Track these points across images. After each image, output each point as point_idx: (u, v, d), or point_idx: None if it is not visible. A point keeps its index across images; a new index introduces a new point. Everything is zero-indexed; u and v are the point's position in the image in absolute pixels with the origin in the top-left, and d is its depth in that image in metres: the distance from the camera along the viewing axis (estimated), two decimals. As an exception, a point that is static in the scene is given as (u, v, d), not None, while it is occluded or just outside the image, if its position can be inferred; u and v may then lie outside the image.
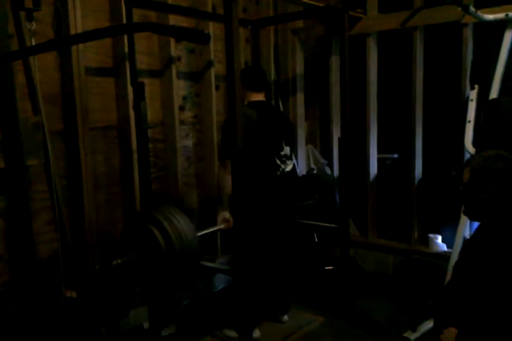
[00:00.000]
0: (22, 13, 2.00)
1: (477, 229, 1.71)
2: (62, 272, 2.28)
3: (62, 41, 1.93)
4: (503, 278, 1.47)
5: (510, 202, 1.58)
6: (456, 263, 1.78)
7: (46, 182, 2.22)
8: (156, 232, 1.88)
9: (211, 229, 2.47)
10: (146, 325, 2.52)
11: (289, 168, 2.61)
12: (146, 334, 2.48)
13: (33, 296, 2.08)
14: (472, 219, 1.81)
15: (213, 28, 2.91)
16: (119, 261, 1.94)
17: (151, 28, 1.53)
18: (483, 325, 1.47)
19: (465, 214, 1.72)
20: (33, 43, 2.04)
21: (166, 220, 1.88)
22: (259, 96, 2.60)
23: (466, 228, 2.66)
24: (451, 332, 1.52)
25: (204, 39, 1.17)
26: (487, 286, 1.51)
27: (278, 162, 2.55)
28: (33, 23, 1.95)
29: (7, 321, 2.01)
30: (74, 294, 2.32)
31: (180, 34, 1.29)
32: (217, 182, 2.44)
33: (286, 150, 2.62)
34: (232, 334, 2.50)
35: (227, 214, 2.38)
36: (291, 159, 2.65)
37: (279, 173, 2.55)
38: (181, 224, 1.91)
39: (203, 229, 2.45)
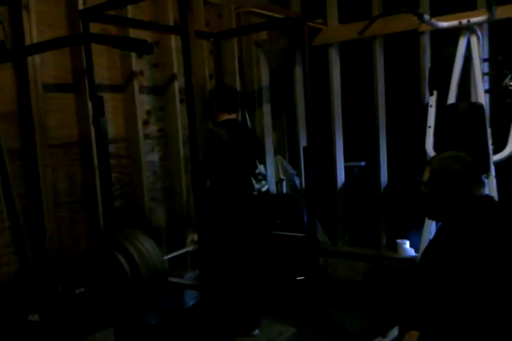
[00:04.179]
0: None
1: (438, 230, 1.74)
2: (24, 295, 2.21)
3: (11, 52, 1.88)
4: (461, 278, 1.49)
5: (467, 202, 1.61)
6: (417, 263, 1.79)
7: (4, 202, 2.17)
8: (123, 260, 1.85)
9: (180, 251, 2.46)
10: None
11: (264, 188, 2.63)
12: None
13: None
14: (432, 218, 1.85)
15: (176, 42, 2.90)
16: (82, 289, 1.90)
17: (93, 39, 1.51)
18: (444, 327, 1.48)
19: (425, 214, 1.75)
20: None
21: (132, 247, 1.86)
22: (231, 116, 2.63)
23: (432, 231, 2.69)
24: (412, 336, 1.52)
25: (147, 49, 1.17)
26: (447, 286, 1.52)
27: (254, 182, 2.56)
28: None
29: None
30: (36, 317, 2.25)
31: (123, 44, 1.29)
32: (189, 199, 2.43)
33: (261, 168, 2.64)
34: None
35: (195, 236, 2.36)
36: (266, 178, 2.67)
37: (255, 193, 2.55)
38: (148, 250, 1.89)
39: (172, 246, 2.43)
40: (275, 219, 3.12)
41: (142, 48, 1.18)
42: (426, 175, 1.69)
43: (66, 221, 2.46)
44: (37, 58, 2.21)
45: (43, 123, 2.27)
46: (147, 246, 1.86)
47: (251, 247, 2.60)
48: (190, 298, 3.00)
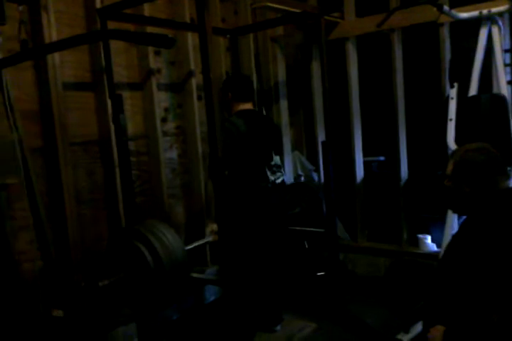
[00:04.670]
0: None
1: (462, 224, 1.70)
2: (48, 290, 2.25)
3: (32, 52, 1.90)
4: (488, 273, 1.46)
5: (493, 195, 1.57)
6: (441, 259, 1.77)
7: (28, 200, 2.20)
8: (144, 249, 1.86)
9: (200, 242, 2.46)
10: (136, 341, 2.48)
11: (279, 180, 2.59)
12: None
13: (17, 316, 2.04)
14: (456, 212, 1.81)
15: (193, 39, 2.91)
16: (106, 281, 1.92)
17: (112, 35, 1.52)
18: (470, 321, 1.45)
19: (449, 208, 1.72)
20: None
21: (153, 236, 1.86)
22: (247, 106, 2.58)
23: (454, 225, 2.65)
24: (438, 330, 1.50)
25: (168, 43, 1.17)
26: (472, 281, 1.49)
27: (268, 173, 2.53)
28: (0, 38, 1.93)
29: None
30: (60, 313, 2.29)
31: (144, 39, 1.29)
32: (207, 194, 2.42)
33: (276, 159, 2.60)
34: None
35: (215, 226, 2.36)
36: (281, 170, 2.63)
37: (270, 185, 2.53)
38: (169, 240, 1.90)
39: (191, 242, 2.43)
40: (293, 207, 3.08)
41: (163, 42, 1.18)
42: (449, 168, 1.65)
43: (88, 218, 2.49)
44: (56, 58, 2.24)
45: (63, 121, 2.30)
46: (168, 235, 1.86)
47: (268, 240, 2.57)
48: (211, 294, 3.02)
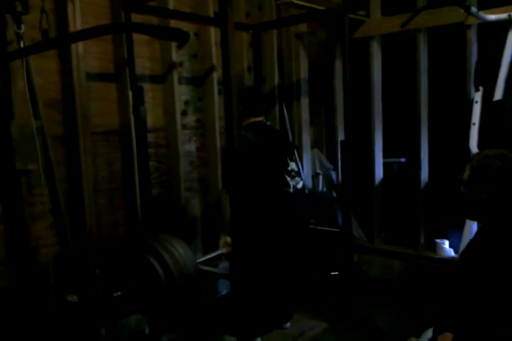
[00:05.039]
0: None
1: (477, 231, 1.67)
2: (63, 276, 2.30)
3: (53, 41, 1.94)
4: (500, 280, 1.43)
5: (509, 202, 1.54)
6: (454, 265, 1.74)
7: (47, 186, 2.25)
8: (156, 264, 1.89)
9: (212, 254, 2.50)
10: (147, 330, 2.51)
11: (299, 185, 2.60)
12: (147, 339, 2.47)
13: (33, 299, 2.09)
14: (471, 218, 1.78)
15: (216, 33, 2.92)
16: (119, 293, 1.97)
17: (131, 28, 1.54)
18: (479, 330, 1.43)
19: (464, 214, 1.69)
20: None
21: (165, 250, 1.89)
22: (257, 119, 2.61)
23: (473, 231, 2.60)
24: (446, 338, 1.47)
25: (183, 37, 1.18)
26: (484, 290, 1.46)
27: (288, 179, 2.55)
28: (22, 26, 1.97)
29: (8, 324, 2.02)
30: (75, 298, 2.33)
31: (160, 33, 1.30)
32: (221, 207, 2.44)
33: (292, 165, 2.61)
34: (232, 340, 2.47)
35: (228, 239, 2.37)
36: (300, 175, 2.64)
37: (291, 190, 2.54)
38: (181, 254, 1.92)
39: (207, 236, 2.44)
40: (309, 218, 3.09)
41: (178, 37, 1.19)
42: (466, 174, 1.62)
43: (105, 206, 2.53)
44: (80, 48, 2.27)
45: (85, 111, 2.34)
46: (180, 249, 1.89)
47: (288, 242, 2.58)
48: (224, 287, 3.03)
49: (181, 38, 1.19)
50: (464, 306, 1.51)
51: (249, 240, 2.06)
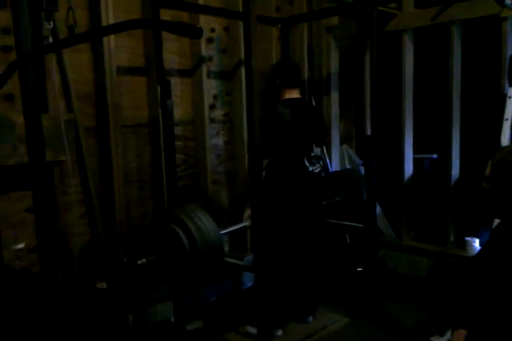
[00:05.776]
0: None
1: (493, 229, 1.64)
2: (93, 264, 2.38)
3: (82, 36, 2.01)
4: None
5: None
6: (472, 262, 1.70)
7: (79, 176, 2.34)
8: (180, 232, 1.93)
9: (236, 227, 2.51)
10: (173, 319, 2.58)
11: (316, 170, 2.60)
12: (172, 328, 2.54)
13: (62, 286, 2.17)
14: (493, 215, 1.74)
15: (245, 28, 2.93)
16: (144, 260, 2.02)
17: (142, 25, 1.57)
18: (493, 327, 1.40)
19: (486, 211, 1.65)
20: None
21: (189, 220, 1.93)
22: (294, 93, 2.60)
23: (503, 230, 2.53)
24: (460, 334, 1.45)
25: (196, 33, 1.20)
26: (500, 286, 1.44)
27: (307, 163, 2.55)
28: (51, 23, 2.05)
29: (38, 309, 2.11)
30: (104, 285, 2.42)
31: (171, 28, 1.33)
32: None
33: (317, 151, 2.62)
34: (254, 331, 2.51)
35: None
36: (320, 160, 2.64)
37: (306, 174, 2.54)
38: (204, 223, 1.96)
39: (233, 236, 2.46)
40: (334, 196, 3.06)
41: (191, 32, 1.22)
42: (488, 169, 1.59)
43: (134, 197, 2.61)
44: (112, 43, 2.34)
45: (116, 104, 2.41)
46: (204, 220, 1.93)
47: (300, 228, 2.58)
48: (249, 279, 3.07)
49: (194, 33, 1.22)
50: (479, 303, 1.48)
51: (268, 216, 2.08)
